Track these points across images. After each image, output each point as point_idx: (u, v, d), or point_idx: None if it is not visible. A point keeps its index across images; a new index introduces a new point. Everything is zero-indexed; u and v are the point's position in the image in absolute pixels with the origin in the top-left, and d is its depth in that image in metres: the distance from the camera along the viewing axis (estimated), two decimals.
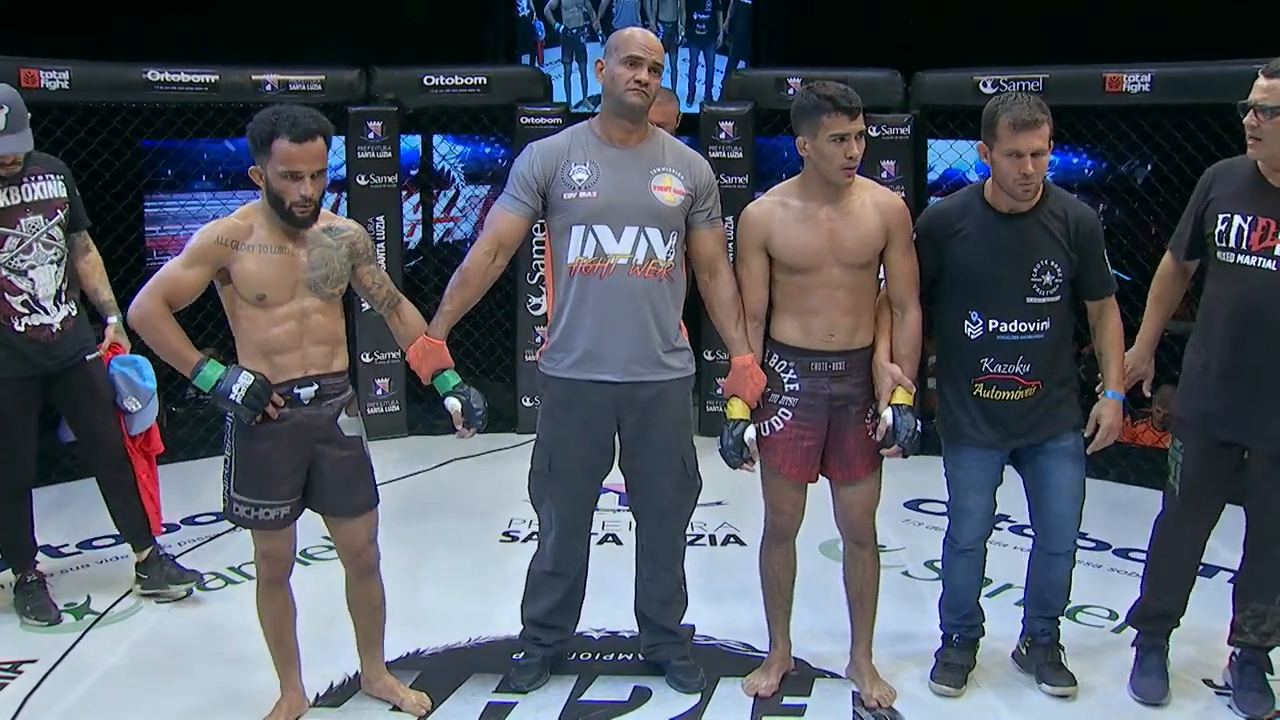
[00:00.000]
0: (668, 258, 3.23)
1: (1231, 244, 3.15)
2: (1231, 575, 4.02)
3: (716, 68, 8.48)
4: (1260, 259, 3.11)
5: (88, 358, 3.93)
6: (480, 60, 7.89)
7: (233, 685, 3.47)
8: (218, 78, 5.77)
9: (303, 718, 3.29)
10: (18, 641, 3.74)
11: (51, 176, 3.86)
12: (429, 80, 6.12)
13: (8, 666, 3.55)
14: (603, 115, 3.28)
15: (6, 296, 3.74)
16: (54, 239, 3.82)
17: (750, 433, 3.25)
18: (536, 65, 8.30)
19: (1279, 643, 3.38)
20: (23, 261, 3.74)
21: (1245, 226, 3.13)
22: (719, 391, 6.09)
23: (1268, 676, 3.37)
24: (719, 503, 4.75)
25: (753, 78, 6.50)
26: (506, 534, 4.76)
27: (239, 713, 3.32)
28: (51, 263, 3.81)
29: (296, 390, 3.03)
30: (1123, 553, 4.52)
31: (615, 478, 3.42)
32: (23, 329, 3.77)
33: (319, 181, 2.97)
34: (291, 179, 2.92)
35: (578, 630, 3.59)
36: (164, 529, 4.25)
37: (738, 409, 3.28)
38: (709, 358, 6.07)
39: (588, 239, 3.20)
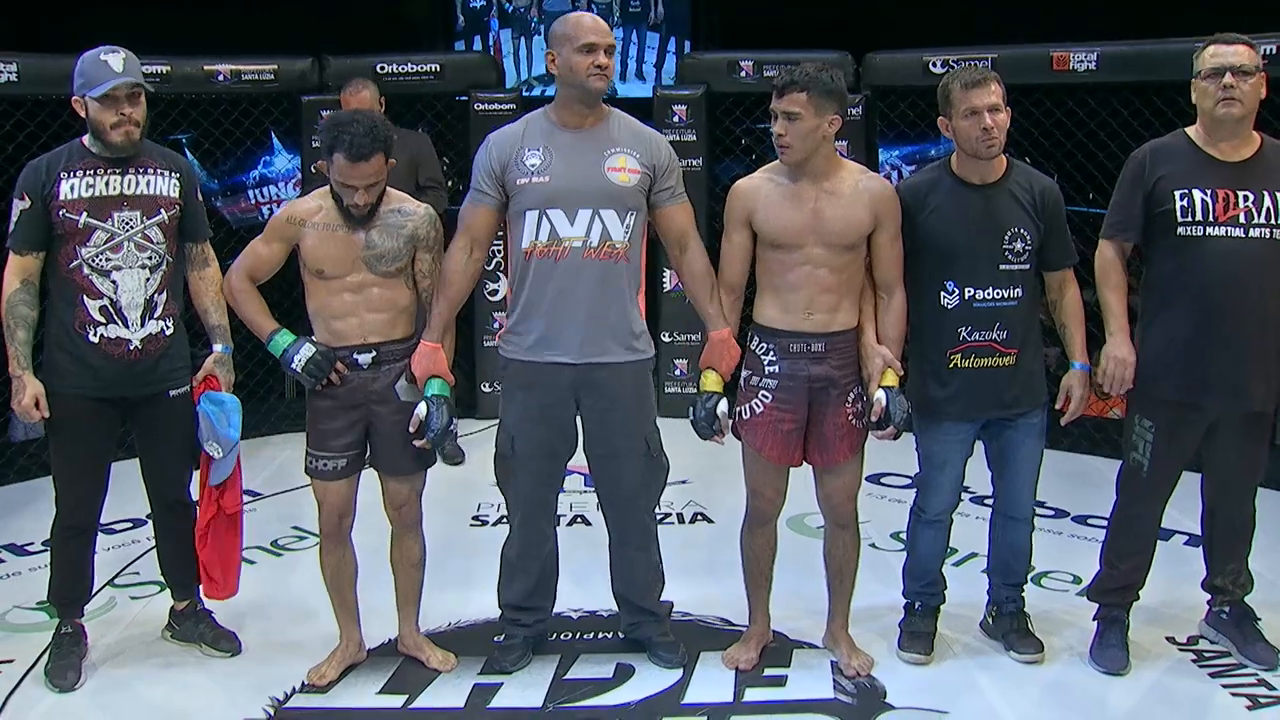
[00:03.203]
0: (624, 239, 3.24)
1: (1198, 217, 3.23)
2: (1187, 539, 4.18)
3: (650, 45, 8.53)
4: (1228, 228, 3.21)
5: (172, 393, 3.45)
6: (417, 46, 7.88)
7: (214, 681, 3.47)
8: (169, 68, 5.71)
9: (358, 666, 3.51)
10: None
11: (164, 172, 3.39)
12: (382, 68, 6.09)
13: None
14: (559, 102, 3.29)
15: (85, 300, 3.29)
16: (150, 241, 3.34)
17: (723, 406, 3.29)
18: (491, 49, 8.34)
19: (1252, 588, 3.55)
20: (108, 260, 3.29)
21: (1208, 200, 3.22)
22: (677, 373, 6.22)
23: (1259, 626, 3.52)
24: (684, 481, 4.81)
25: (705, 60, 6.53)
26: (476, 518, 4.80)
27: (218, 708, 3.32)
28: (143, 267, 3.33)
29: (355, 356, 3.30)
30: (1081, 519, 4.66)
31: (579, 459, 3.44)
32: (96, 339, 3.30)
33: (374, 189, 3.23)
34: (346, 189, 3.20)
35: (556, 611, 3.64)
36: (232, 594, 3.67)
37: (711, 381, 3.32)
38: (666, 339, 6.14)
39: (542, 223, 3.22)
